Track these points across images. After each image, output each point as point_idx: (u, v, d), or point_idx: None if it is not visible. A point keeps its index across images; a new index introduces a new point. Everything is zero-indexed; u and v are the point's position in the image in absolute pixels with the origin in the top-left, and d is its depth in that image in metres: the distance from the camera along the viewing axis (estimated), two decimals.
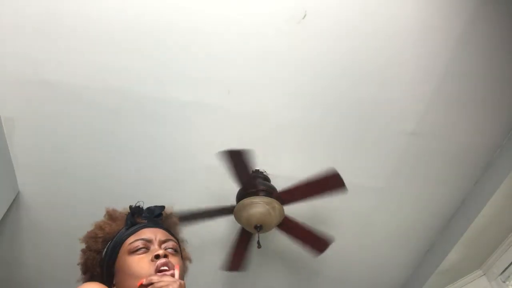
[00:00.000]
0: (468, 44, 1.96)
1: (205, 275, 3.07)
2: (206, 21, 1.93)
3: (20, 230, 2.82)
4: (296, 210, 2.38)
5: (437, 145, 2.36)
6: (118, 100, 2.20)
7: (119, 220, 1.09)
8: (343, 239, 2.77)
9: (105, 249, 1.03)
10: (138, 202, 1.11)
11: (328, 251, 2.46)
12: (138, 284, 0.87)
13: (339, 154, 2.42)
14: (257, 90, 2.17)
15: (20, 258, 3.01)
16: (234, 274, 2.75)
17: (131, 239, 0.99)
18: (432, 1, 1.85)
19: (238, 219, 2.27)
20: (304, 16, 1.90)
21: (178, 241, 1.08)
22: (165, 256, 0.94)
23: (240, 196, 2.28)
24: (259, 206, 2.16)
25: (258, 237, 2.33)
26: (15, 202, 2.62)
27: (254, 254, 2.60)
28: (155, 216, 1.09)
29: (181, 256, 1.05)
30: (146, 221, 1.07)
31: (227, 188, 2.43)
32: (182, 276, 0.96)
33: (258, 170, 2.47)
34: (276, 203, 2.20)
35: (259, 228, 2.18)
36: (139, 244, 0.97)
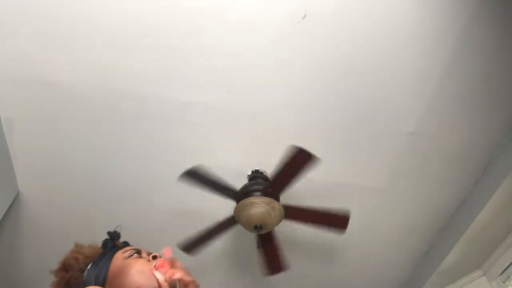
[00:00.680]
0: (467, 44, 1.96)
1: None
2: (206, 22, 1.93)
3: (20, 230, 2.83)
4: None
5: (437, 145, 2.36)
6: (118, 100, 2.21)
7: (92, 248, 1.09)
8: (343, 239, 2.76)
9: (87, 268, 1.01)
10: (116, 227, 1.14)
11: (328, 251, 2.46)
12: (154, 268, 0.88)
13: (339, 154, 2.42)
14: (257, 90, 2.18)
15: (20, 258, 3.01)
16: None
17: (121, 251, 1.01)
18: (432, 1, 1.86)
19: (238, 219, 2.27)
20: (304, 16, 1.90)
21: None
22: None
23: (240, 196, 2.28)
24: (259, 206, 2.16)
25: (258, 237, 2.33)
26: (15, 202, 2.62)
27: (254, 254, 2.60)
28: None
29: None
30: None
31: None
32: None
33: (258, 170, 2.47)
34: (276, 203, 2.20)
35: (259, 228, 2.18)
36: (132, 251, 1.00)
